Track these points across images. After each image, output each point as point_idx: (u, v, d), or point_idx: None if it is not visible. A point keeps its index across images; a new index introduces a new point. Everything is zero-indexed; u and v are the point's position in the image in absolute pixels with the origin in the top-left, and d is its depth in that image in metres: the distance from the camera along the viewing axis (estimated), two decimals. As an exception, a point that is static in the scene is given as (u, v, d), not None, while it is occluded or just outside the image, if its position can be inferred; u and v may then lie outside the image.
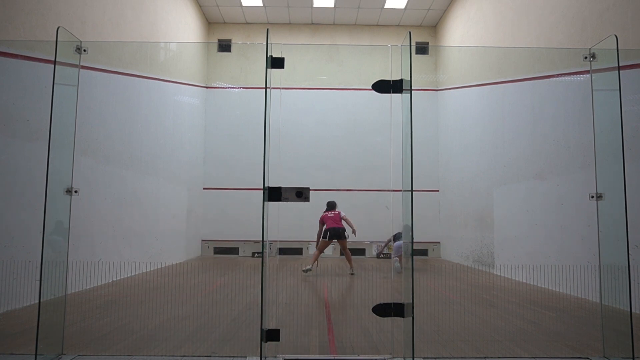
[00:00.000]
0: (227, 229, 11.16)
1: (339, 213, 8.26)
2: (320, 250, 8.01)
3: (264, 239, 3.04)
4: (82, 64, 3.30)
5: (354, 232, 8.04)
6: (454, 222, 10.42)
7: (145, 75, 8.09)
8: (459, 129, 10.24)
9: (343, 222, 8.09)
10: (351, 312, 4.81)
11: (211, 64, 11.88)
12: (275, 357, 3.11)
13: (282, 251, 10.97)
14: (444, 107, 11.42)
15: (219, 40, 12.09)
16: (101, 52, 6.73)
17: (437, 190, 11.39)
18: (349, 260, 8.00)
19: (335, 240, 8.01)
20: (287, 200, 2.99)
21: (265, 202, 3.01)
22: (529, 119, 7.14)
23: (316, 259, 7.90)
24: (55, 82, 3.04)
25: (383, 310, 3.14)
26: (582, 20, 5.92)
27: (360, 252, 11.08)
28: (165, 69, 9.28)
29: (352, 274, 7.79)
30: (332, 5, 11.03)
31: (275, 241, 10.61)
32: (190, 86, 10.60)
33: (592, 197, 3.27)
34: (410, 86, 3.06)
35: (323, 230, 8.08)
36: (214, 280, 7.05)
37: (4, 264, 4.52)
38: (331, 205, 8.45)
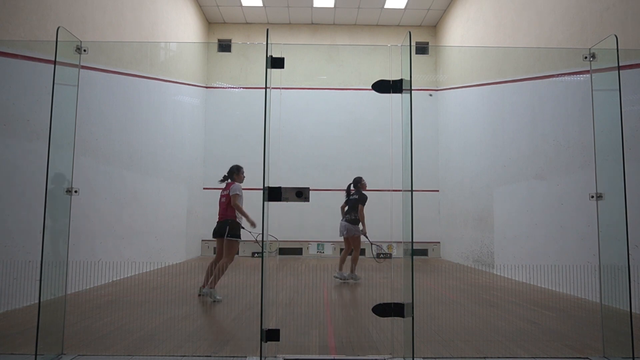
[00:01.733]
0: (227, 229, 11.14)
1: (229, 189, 5.30)
2: (217, 254, 5.53)
3: (264, 239, 3.04)
4: (82, 64, 3.30)
5: (251, 224, 5.33)
6: (454, 222, 10.42)
7: (145, 75, 8.09)
8: (459, 129, 10.24)
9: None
10: (351, 312, 4.81)
11: (211, 64, 11.88)
12: (275, 357, 3.11)
13: (282, 251, 10.97)
14: (443, 107, 11.41)
15: (219, 40, 12.09)
16: (101, 52, 6.73)
17: (437, 190, 11.39)
18: (216, 274, 5.21)
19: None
20: (287, 200, 2.99)
21: (265, 202, 3.01)
22: (529, 119, 7.14)
23: (209, 272, 5.32)
24: (55, 82, 3.04)
25: (383, 310, 3.14)
26: (582, 20, 5.92)
27: (360, 252, 11.05)
28: (165, 69, 9.28)
29: (216, 299, 5.07)
30: (332, 5, 11.03)
31: (275, 241, 10.60)
32: (190, 86, 10.60)
33: (592, 197, 3.27)
34: (410, 86, 3.06)
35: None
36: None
37: (4, 264, 4.52)
38: (229, 172, 5.46)
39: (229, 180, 5.49)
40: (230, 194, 5.28)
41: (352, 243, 7.09)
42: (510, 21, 7.99)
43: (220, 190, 5.53)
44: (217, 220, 5.45)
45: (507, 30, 8.08)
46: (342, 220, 7.21)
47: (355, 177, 7.42)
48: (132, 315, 4.50)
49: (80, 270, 5.41)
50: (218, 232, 5.36)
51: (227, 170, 5.54)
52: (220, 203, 5.46)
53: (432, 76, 11.92)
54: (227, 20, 11.94)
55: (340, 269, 6.99)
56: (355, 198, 7.14)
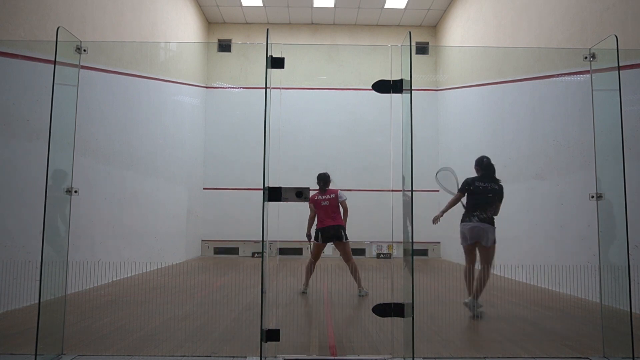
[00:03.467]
0: (227, 229, 11.15)
1: (337, 195, 5.91)
2: (315, 256, 5.88)
3: (264, 239, 3.03)
4: (82, 64, 3.30)
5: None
6: (454, 222, 10.41)
7: (145, 75, 8.08)
8: (459, 129, 10.23)
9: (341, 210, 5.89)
10: (351, 312, 4.81)
11: (211, 64, 11.87)
12: (275, 357, 3.11)
13: (282, 251, 10.96)
14: (444, 107, 11.41)
15: (219, 40, 12.09)
16: (101, 52, 6.72)
17: (437, 191, 11.37)
18: (356, 276, 5.69)
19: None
20: (287, 200, 2.99)
21: (265, 202, 3.01)
22: (529, 119, 7.14)
23: (310, 272, 5.80)
24: (55, 82, 3.04)
25: (383, 310, 3.14)
26: (582, 20, 5.92)
27: (360, 252, 11.07)
28: (165, 69, 9.28)
29: (363, 294, 5.57)
30: (332, 5, 11.03)
31: (275, 241, 10.61)
32: (190, 86, 10.60)
33: (592, 197, 3.27)
34: (410, 86, 3.06)
35: (314, 228, 5.96)
36: (214, 280, 7.04)
37: (4, 264, 4.52)
38: (324, 180, 6.01)
39: (326, 188, 6.01)
40: (341, 200, 5.94)
41: (492, 252, 5.24)
42: (510, 21, 7.99)
43: (316, 195, 5.99)
44: (325, 225, 5.81)
45: (507, 30, 8.08)
46: (471, 221, 5.35)
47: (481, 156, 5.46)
48: (132, 315, 4.50)
49: (80, 270, 5.41)
50: (334, 236, 5.78)
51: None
52: (324, 207, 5.90)
53: (432, 76, 11.91)
54: (227, 20, 11.94)
55: (477, 296, 4.71)
56: (495, 189, 5.29)
